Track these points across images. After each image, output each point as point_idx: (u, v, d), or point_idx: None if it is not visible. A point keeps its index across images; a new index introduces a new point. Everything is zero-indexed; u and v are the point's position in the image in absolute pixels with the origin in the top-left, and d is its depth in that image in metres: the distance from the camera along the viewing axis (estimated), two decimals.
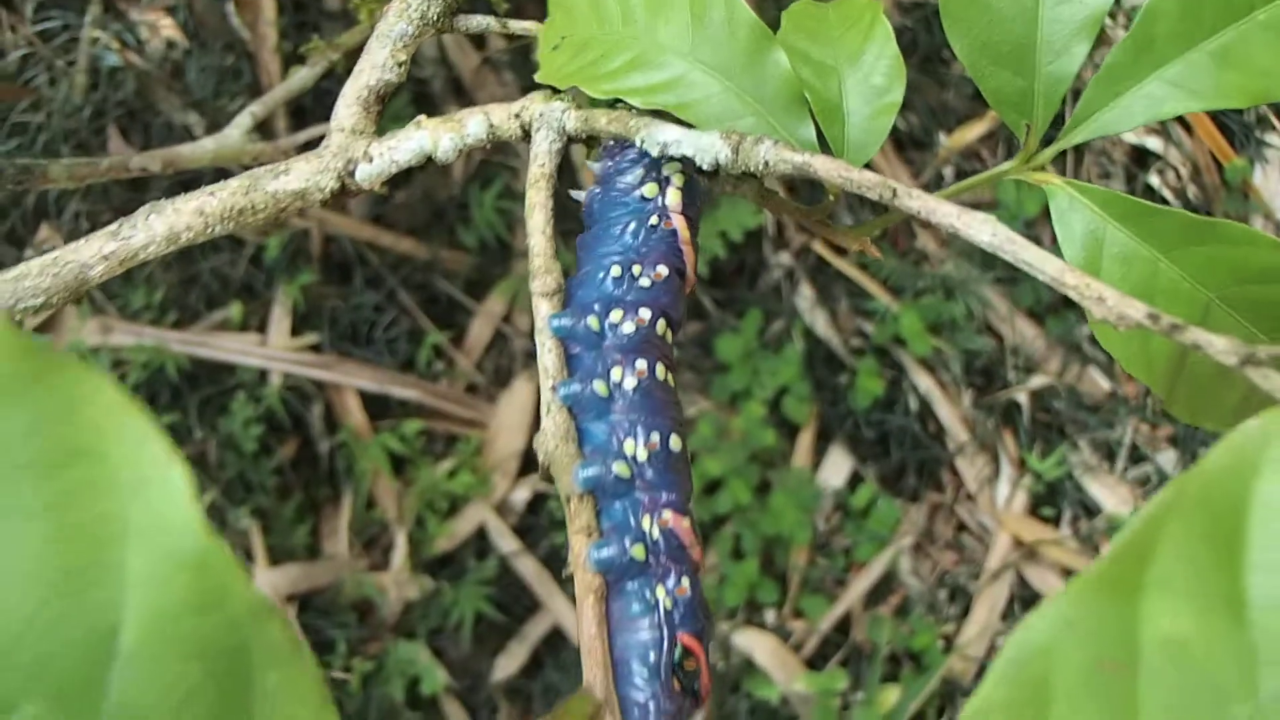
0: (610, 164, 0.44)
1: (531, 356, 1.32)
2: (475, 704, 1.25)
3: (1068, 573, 1.27)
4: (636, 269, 0.43)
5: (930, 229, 1.35)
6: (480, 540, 1.29)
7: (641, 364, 0.41)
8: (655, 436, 0.41)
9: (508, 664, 1.26)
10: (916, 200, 0.36)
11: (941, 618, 1.27)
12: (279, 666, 0.25)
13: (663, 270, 0.43)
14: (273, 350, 1.28)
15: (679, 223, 0.43)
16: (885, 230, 1.36)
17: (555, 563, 1.28)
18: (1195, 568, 0.24)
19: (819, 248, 1.35)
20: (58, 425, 0.23)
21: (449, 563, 1.29)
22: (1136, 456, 1.31)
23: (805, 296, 1.34)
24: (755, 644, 1.24)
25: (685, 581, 0.41)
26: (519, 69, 1.32)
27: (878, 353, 1.32)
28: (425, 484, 1.27)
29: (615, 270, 0.43)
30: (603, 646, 0.39)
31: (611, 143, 0.44)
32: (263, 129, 0.77)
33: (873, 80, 0.45)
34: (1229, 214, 1.30)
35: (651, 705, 0.39)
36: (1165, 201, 1.29)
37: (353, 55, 0.83)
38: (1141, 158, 1.36)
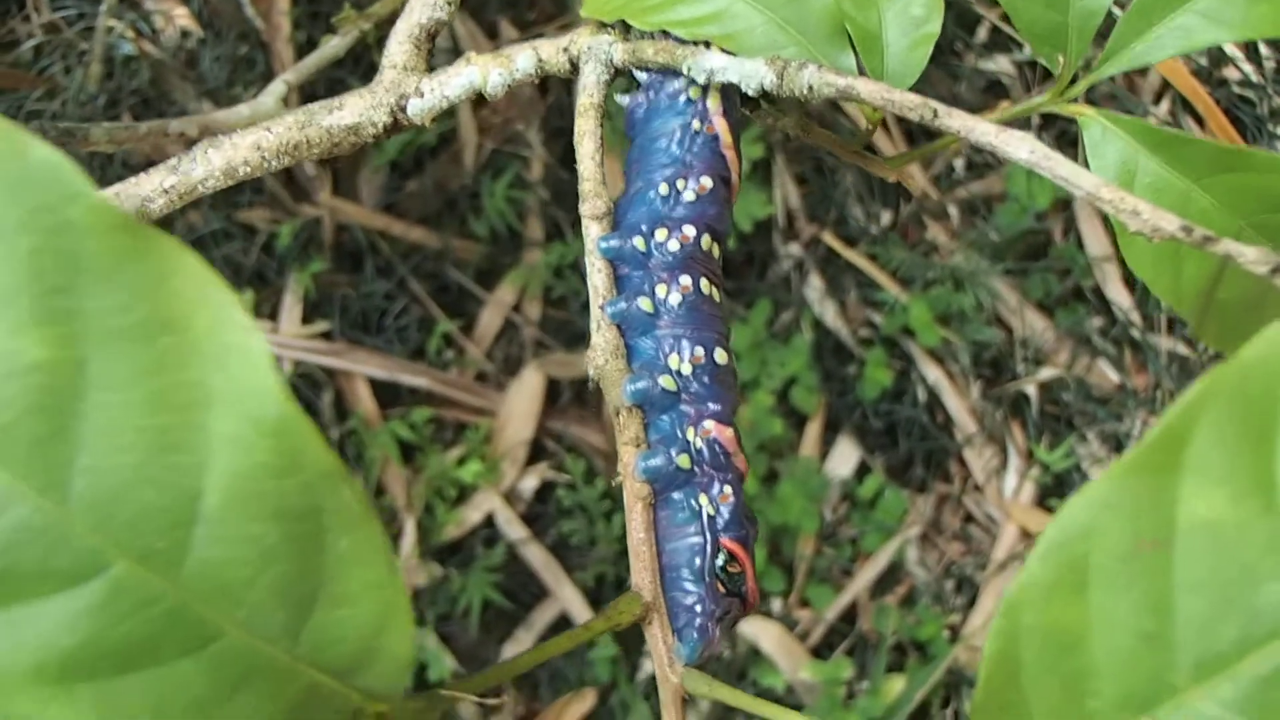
0: (653, 75, 0.45)
1: (541, 345, 1.33)
2: (482, 691, 1.25)
3: None
4: (681, 183, 0.44)
5: (940, 220, 1.35)
6: (488, 528, 1.30)
7: (686, 280, 0.43)
8: (700, 350, 0.43)
9: (515, 651, 1.26)
10: (957, 119, 0.37)
11: (948, 608, 1.27)
12: (350, 531, 0.27)
13: (707, 182, 0.44)
14: (284, 337, 1.29)
15: (721, 126, 0.44)
16: (894, 224, 1.36)
17: (563, 551, 1.29)
18: (1230, 453, 0.25)
19: (829, 238, 1.35)
20: (150, 296, 0.24)
21: (457, 550, 1.30)
22: None
23: (814, 287, 1.34)
24: (761, 632, 1.25)
25: (728, 489, 0.42)
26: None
27: (886, 343, 1.32)
28: (434, 471, 1.27)
29: (663, 188, 0.44)
30: (650, 550, 0.41)
31: (647, 76, 0.46)
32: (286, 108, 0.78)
33: (911, 11, 0.46)
34: None
35: (698, 607, 0.41)
36: None
37: (384, 25, 0.84)
38: None
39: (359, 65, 1.25)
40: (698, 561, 0.41)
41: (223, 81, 1.30)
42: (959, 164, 1.37)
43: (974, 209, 1.36)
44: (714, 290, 0.44)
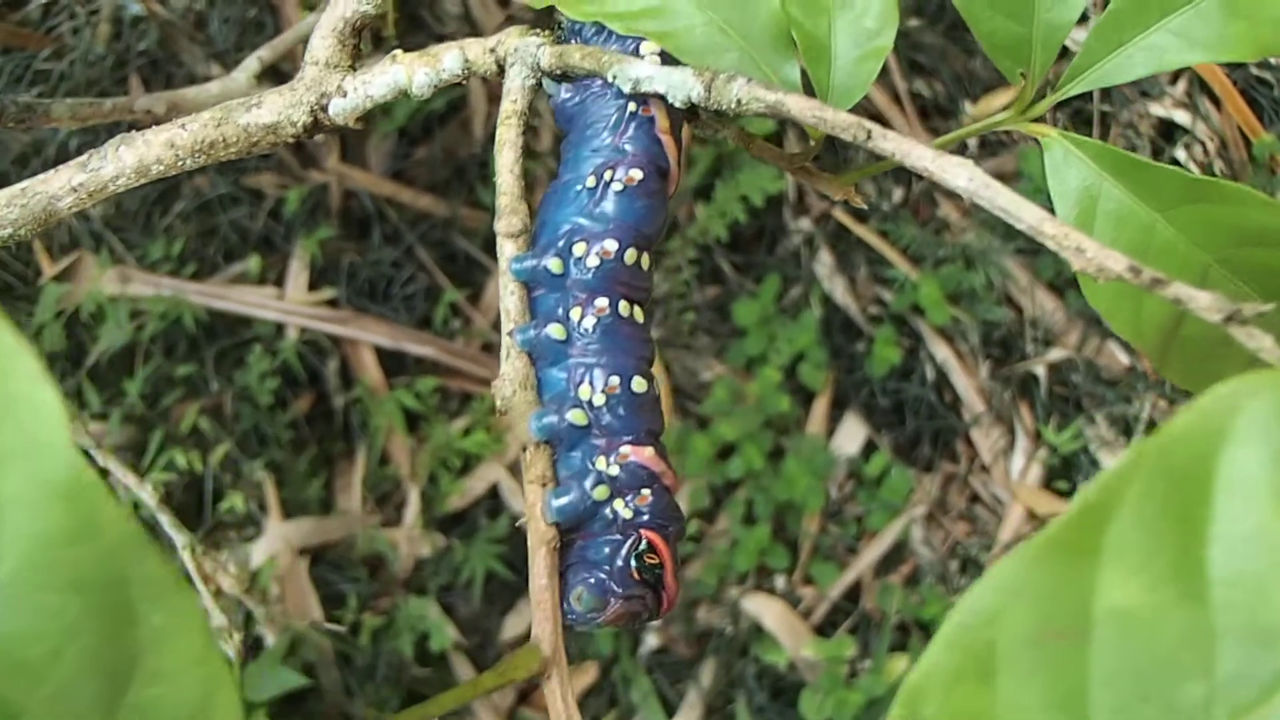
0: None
1: None
2: (484, 661, 1.25)
3: None
4: (609, 174, 0.40)
5: (953, 198, 1.34)
6: (492, 499, 1.29)
7: (602, 302, 0.40)
8: (614, 379, 0.39)
9: (517, 622, 1.26)
10: (891, 142, 0.35)
11: (952, 588, 1.27)
12: (160, 602, 0.25)
13: (636, 174, 0.40)
14: (290, 304, 1.28)
15: (658, 109, 0.41)
16: (905, 201, 1.35)
17: None
18: (1154, 536, 0.23)
19: (840, 214, 1.34)
20: None
21: (461, 520, 1.29)
22: (1153, 432, 1.30)
23: (824, 263, 1.33)
24: (765, 609, 1.24)
25: (646, 492, 0.40)
26: (544, 25, 1.31)
27: (895, 321, 1.31)
28: (439, 441, 1.27)
29: (590, 180, 0.40)
30: (553, 599, 0.38)
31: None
32: (279, 76, 0.77)
33: (864, 22, 0.43)
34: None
35: (602, 574, 0.39)
36: None
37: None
38: (1169, 131, 1.34)
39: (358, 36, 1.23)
40: (607, 550, 0.39)
41: (231, 44, 1.28)
42: (972, 142, 1.36)
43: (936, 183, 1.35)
44: (634, 310, 0.41)
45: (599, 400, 0.39)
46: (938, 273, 1.29)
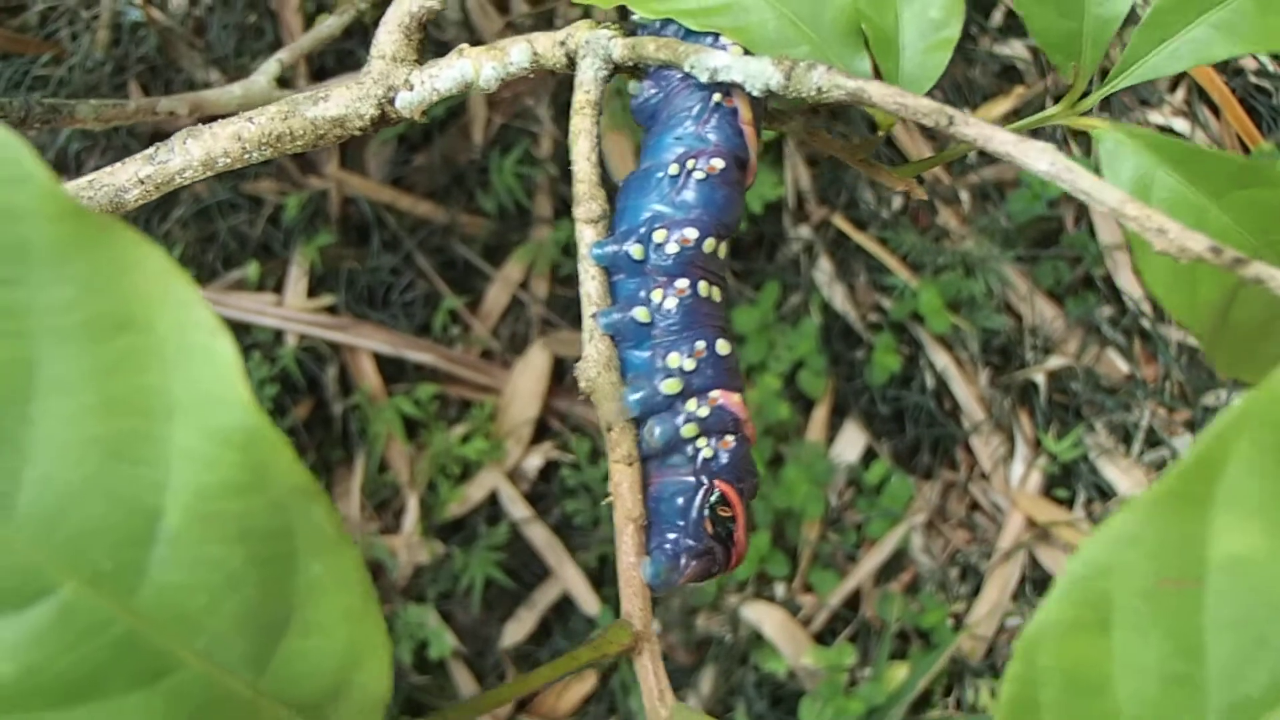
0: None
1: (548, 324, 1.32)
2: (483, 669, 1.25)
3: None
4: (691, 163, 0.41)
5: (952, 205, 1.34)
6: (492, 506, 1.29)
7: (682, 283, 0.41)
8: (701, 344, 0.41)
9: (516, 630, 1.26)
10: (973, 128, 0.35)
11: (952, 596, 1.27)
12: (323, 554, 0.25)
13: (718, 163, 0.41)
14: (289, 311, 1.28)
15: (740, 101, 0.42)
16: (905, 208, 1.35)
17: (566, 530, 1.28)
18: (1266, 484, 0.24)
19: (839, 221, 1.34)
20: (106, 291, 0.22)
21: (460, 528, 1.29)
22: (1153, 440, 1.30)
23: (824, 270, 1.33)
24: (764, 617, 1.24)
25: (730, 437, 0.41)
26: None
27: (895, 329, 1.31)
28: (438, 448, 1.27)
29: (673, 168, 0.41)
30: (639, 576, 0.38)
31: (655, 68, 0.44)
32: (285, 84, 0.77)
33: (930, 14, 0.44)
34: None
35: (674, 535, 0.39)
36: None
37: (381, 4, 0.83)
38: None
39: (368, 37, 1.23)
40: (683, 498, 0.40)
41: (231, 50, 1.28)
42: (971, 154, 1.36)
43: (986, 194, 1.35)
44: (713, 291, 0.42)
45: (689, 365, 0.40)
46: (937, 280, 1.29)
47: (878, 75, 0.44)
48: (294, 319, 1.28)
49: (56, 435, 0.22)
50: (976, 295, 1.29)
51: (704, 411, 0.40)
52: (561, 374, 1.32)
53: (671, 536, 0.39)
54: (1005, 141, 0.34)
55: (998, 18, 1.38)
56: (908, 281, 1.31)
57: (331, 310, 1.30)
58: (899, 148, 1.32)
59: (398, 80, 0.44)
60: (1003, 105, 1.33)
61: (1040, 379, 1.31)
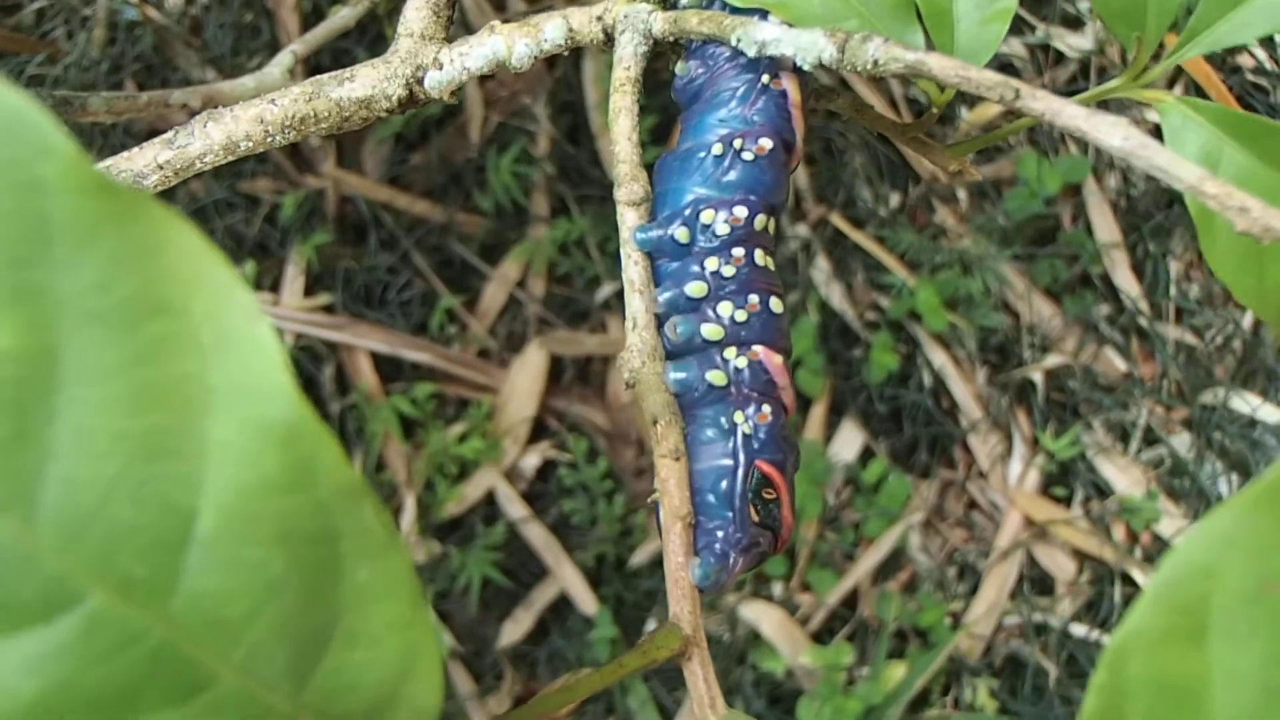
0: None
1: (545, 322, 1.32)
2: (480, 669, 1.25)
3: (1078, 553, 1.27)
4: (739, 143, 0.40)
5: (949, 204, 1.34)
6: (489, 505, 1.29)
7: (739, 252, 0.39)
8: (755, 298, 0.39)
9: (514, 630, 1.26)
10: (1041, 101, 0.33)
11: (950, 595, 1.27)
12: (371, 559, 0.23)
13: (766, 143, 0.40)
14: (286, 310, 1.28)
15: (790, 83, 0.41)
16: (902, 206, 1.35)
17: (563, 530, 1.28)
18: None
19: (836, 220, 1.34)
20: (134, 274, 0.20)
21: (457, 527, 1.29)
22: (1150, 438, 1.30)
23: (821, 269, 1.33)
24: (762, 616, 1.24)
25: (767, 409, 0.39)
26: None
27: (893, 327, 1.31)
28: (435, 448, 1.26)
29: (717, 148, 0.40)
30: (689, 578, 0.37)
31: (696, 44, 0.42)
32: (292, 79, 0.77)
33: None
34: None
35: (722, 533, 0.38)
36: None
37: None
38: (1162, 138, 1.34)
39: (365, 36, 1.23)
40: (727, 484, 0.38)
41: (227, 49, 1.28)
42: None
43: (983, 193, 1.35)
44: (769, 260, 0.40)
45: (740, 316, 0.39)
46: (935, 279, 1.29)
47: (931, 49, 0.43)
48: (290, 318, 1.27)
49: (83, 430, 0.20)
50: (974, 293, 1.29)
51: (741, 363, 0.39)
52: (559, 373, 1.32)
53: (720, 534, 0.38)
54: (1076, 115, 0.33)
55: None
56: (905, 280, 1.30)
57: (328, 309, 1.29)
58: (878, 154, 1.32)
59: (426, 59, 0.43)
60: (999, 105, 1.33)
61: (1038, 377, 1.31)
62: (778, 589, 1.27)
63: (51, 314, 0.20)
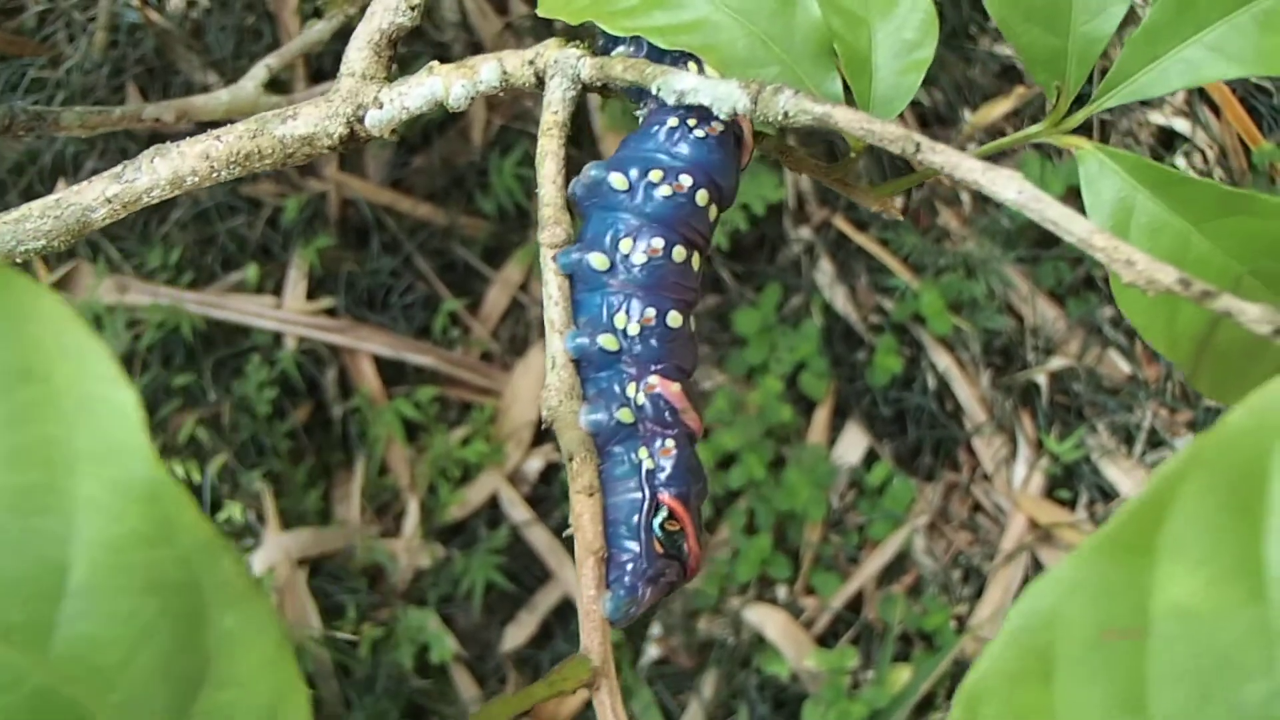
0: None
1: None
2: (484, 673, 1.25)
3: None
4: (692, 121, 0.40)
5: (953, 206, 1.34)
6: (492, 509, 1.29)
7: (658, 242, 0.40)
8: (650, 312, 0.40)
9: (517, 634, 1.25)
10: (940, 155, 0.34)
11: (955, 598, 1.27)
12: (234, 607, 0.24)
13: (716, 125, 0.40)
14: (288, 313, 1.27)
15: (745, 124, 0.41)
16: (907, 205, 1.35)
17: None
18: (1211, 533, 0.23)
19: (840, 223, 1.33)
20: (3, 343, 0.22)
21: (460, 531, 1.28)
22: (1155, 441, 1.30)
23: (825, 272, 1.33)
24: (766, 620, 1.24)
25: (670, 443, 0.40)
26: (542, 35, 1.31)
27: (897, 330, 1.31)
28: (438, 451, 1.26)
29: (672, 121, 0.40)
30: (600, 610, 0.38)
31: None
32: (281, 87, 0.76)
33: (904, 34, 0.43)
34: None
35: (629, 565, 0.39)
36: None
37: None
38: (1168, 139, 1.34)
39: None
40: (635, 518, 0.39)
41: (229, 52, 1.28)
42: (971, 148, 1.35)
43: (986, 195, 1.34)
44: (692, 258, 0.41)
45: (634, 330, 0.39)
46: (938, 281, 1.29)
47: (849, 95, 0.43)
48: (293, 321, 1.27)
49: None
50: (978, 296, 1.29)
51: (640, 399, 0.39)
52: None
53: (628, 567, 0.39)
54: (972, 169, 0.33)
55: None
56: (909, 283, 1.30)
57: (331, 313, 1.29)
58: (881, 156, 1.32)
59: (367, 98, 0.44)
60: (1003, 105, 1.33)
61: (1042, 380, 1.30)
62: (782, 592, 1.27)
63: None
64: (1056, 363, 1.31)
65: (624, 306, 0.39)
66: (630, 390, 0.40)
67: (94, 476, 0.23)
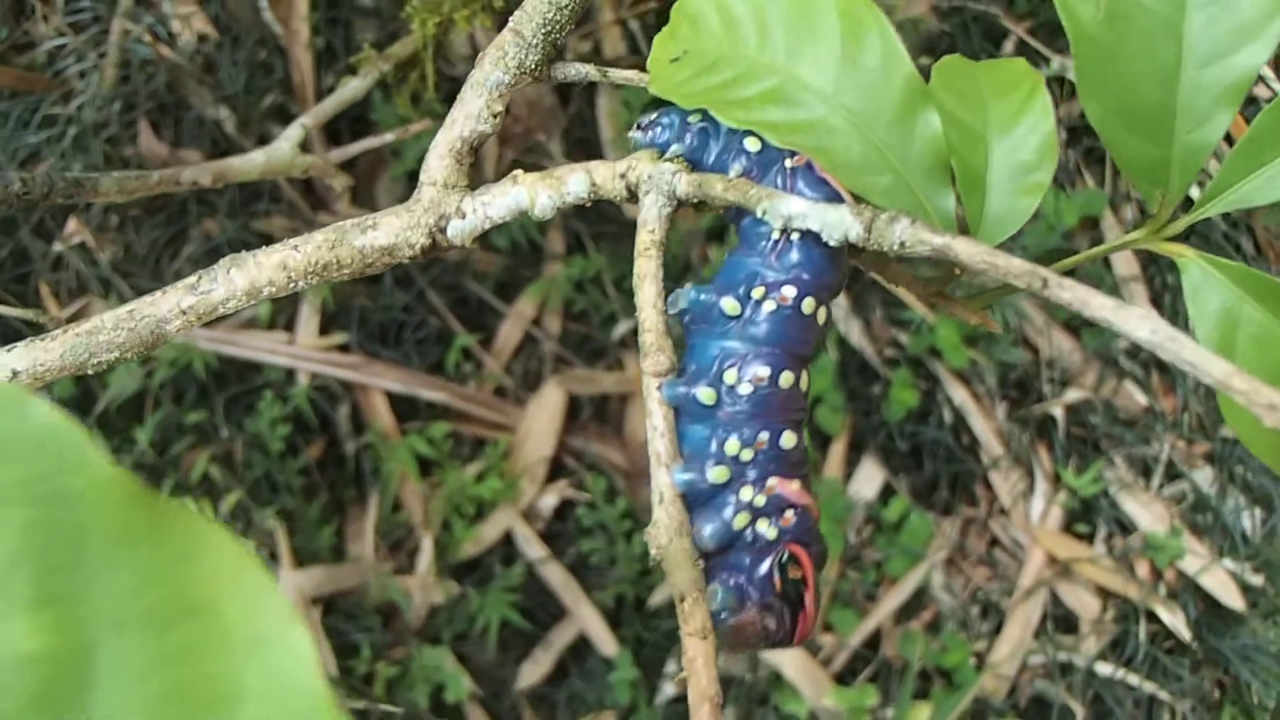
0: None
1: (561, 360, 1.31)
2: (499, 711, 1.24)
3: (1102, 590, 1.25)
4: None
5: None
6: (507, 546, 1.28)
7: (764, 370, 0.38)
8: (764, 436, 0.38)
9: (533, 671, 1.24)
10: (1069, 291, 0.33)
11: (974, 634, 1.26)
12: None
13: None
14: (301, 349, 1.27)
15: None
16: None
17: (582, 570, 1.27)
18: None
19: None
20: (168, 578, 0.22)
21: (475, 568, 1.27)
22: (1173, 473, 1.29)
23: (839, 305, 1.32)
24: (784, 658, 1.23)
25: (790, 513, 0.38)
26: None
27: (912, 364, 1.30)
28: (452, 487, 1.25)
29: (775, 233, 0.39)
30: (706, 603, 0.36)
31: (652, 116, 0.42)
32: (303, 150, 0.76)
33: (1021, 155, 0.43)
34: None
35: (747, 573, 0.38)
36: None
37: (404, 66, 0.82)
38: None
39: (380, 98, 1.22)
40: (748, 559, 0.38)
41: (240, 87, 1.27)
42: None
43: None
44: (798, 381, 0.39)
45: (746, 455, 0.38)
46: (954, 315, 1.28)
47: (960, 213, 0.42)
48: (306, 358, 1.26)
49: None
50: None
51: (760, 501, 0.38)
52: (576, 411, 1.31)
53: (745, 574, 0.38)
54: (1103, 306, 0.32)
55: (1009, 47, 1.37)
56: (924, 316, 1.29)
57: (344, 349, 1.28)
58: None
59: (449, 208, 0.43)
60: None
61: (1058, 412, 1.30)
62: None
63: (85, 616, 0.21)
64: (1073, 395, 1.30)
65: (735, 434, 0.38)
66: (746, 495, 0.38)
67: (262, 714, 0.22)
